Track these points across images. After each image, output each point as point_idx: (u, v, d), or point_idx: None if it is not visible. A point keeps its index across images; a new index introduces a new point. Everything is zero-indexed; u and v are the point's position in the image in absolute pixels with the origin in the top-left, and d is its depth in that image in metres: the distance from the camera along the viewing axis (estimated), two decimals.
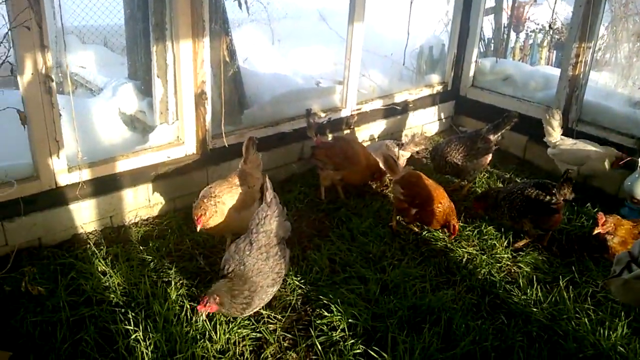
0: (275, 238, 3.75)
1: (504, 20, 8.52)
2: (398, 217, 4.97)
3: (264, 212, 3.77)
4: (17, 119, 3.80)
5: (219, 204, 4.18)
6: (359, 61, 6.03)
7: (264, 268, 3.58)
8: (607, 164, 5.45)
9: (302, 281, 4.19)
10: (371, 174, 5.44)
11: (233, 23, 6.09)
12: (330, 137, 5.94)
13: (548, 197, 4.55)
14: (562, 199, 4.52)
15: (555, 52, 9.00)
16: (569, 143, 5.65)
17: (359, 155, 5.36)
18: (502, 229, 4.92)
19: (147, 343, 3.45)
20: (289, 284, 4.14)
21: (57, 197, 4.40)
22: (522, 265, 4.51)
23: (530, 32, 9.17)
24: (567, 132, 5.91)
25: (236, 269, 3.54)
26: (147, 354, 3.39)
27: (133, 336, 3.49)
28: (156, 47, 4.79)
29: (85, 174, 4.45)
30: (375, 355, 3.50)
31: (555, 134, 5.65)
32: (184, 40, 4.59)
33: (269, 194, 3.81)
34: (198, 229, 4.07)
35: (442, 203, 4.61)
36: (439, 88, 7.17)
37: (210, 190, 4.26)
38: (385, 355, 3.47)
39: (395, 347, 3.55)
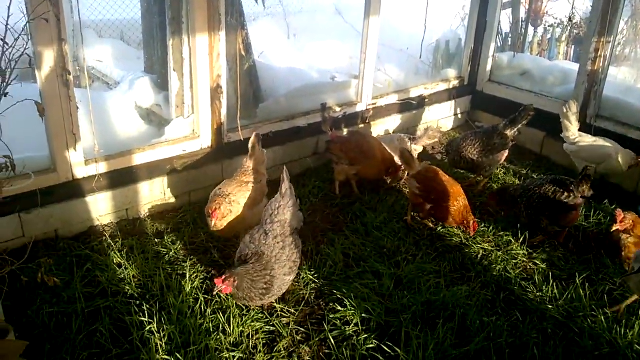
0: (289, 228, 3.78)
1: (522, 15, 8.43)
2: (413, 212, 4.95)
3: (277, 202, 3.81)
4: (35, 111, 3.83)
5: (234, 203, 4.19)
6: (375, 55, 6.01)
7: (281, 257, 3.60)
8: (623, 164, 5.36)
9: (316, 275, 4.19)
10: (386, 169, 5.41)
11: (249, 17, 6.10)
12: (345, 131, 5.92)
13: (565, 194, 4.49)
14: (580, 196, 4.47)
15: (573, 47, 8.89)
16: (588, 140, 5.55)
17: (374, 150, 5.34)
18: (518, 225, 4.88)
19: (162, 335, 3.48)
20: (303, 278, 4.14)
21: (74, 190, 4.44)
22: (537, 262, 4.47)
23: (549, 26, 9.06)
24: (586, 127, 5.84)
25: (254, 258, 3.56)
26: (161, 345, 3.41)
27: (147, 328, 3.52)
28: (172, 41, 4.80)
29: (102, 167, 4.49)
30: (388, 350, 3.49)
31: (572, 129, 5.55)
32: (200, 34, 4.60)
33: (285, 185, 3.84)
34: (212, 223, 4.08)
35: (458, 201, 4.57)
36: (455, 83, 7.12)
37: (222, 190, 4.27)
38: (399, 351, 3.46)
39: (408, 342, 3.54)
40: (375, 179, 5.52)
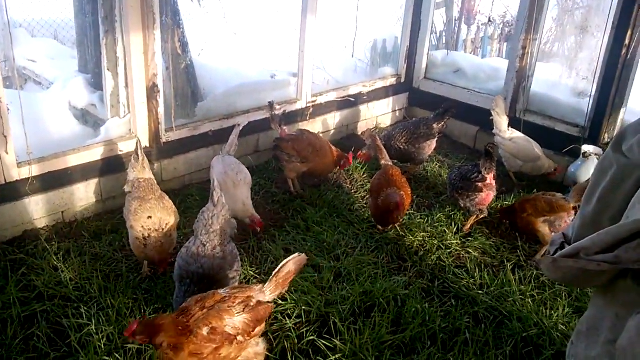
0: (226, 236, 3.75)
1: (455, 14, 8.70)
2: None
3: (210, 212, 3.71)
4: None
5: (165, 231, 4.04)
6: (313, 53, 6.09)
7: (224, 265, 3.56)
8: (545, 168, 5.70)
9: (257, 271, 4.24)
10: (337, 163, 5.53)
11: (186, 16, 6.06)
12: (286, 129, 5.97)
13: (475, 174, 4.78)
14: (487, 174, 4.72)
15: (505, 44, 9.24)
16: (521, 137, 5.78)
17: (325, 147, 5.44)
18: (452, 216, 5.07)
19: (100, 336, 3.45)
20: (244, 275, 4.18)
21: (7, 193, 4.33)
22: (470, 250, 4.66)
23: (481, 25, 9.37)
24: (515, 121, 6.10)
25: (196, 273, 3.48)
26: (100, 346, 3.39)
27: (86, 330, 3.49)
28: (106, 40, 4.74)
29: (35, 169, 4.40)
30: (325, 343, 3.57)
31: (503, 124, 5.75)
32: (135, 33, 4.55)
33: (217, 193, 3.77)
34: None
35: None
36: (392, 80, 7.28)
37: (149, 225, 4.02)
38: (336, 341, 3.54)
39: (347, 332, 3.63)
40: (326, 175, 5.67)
